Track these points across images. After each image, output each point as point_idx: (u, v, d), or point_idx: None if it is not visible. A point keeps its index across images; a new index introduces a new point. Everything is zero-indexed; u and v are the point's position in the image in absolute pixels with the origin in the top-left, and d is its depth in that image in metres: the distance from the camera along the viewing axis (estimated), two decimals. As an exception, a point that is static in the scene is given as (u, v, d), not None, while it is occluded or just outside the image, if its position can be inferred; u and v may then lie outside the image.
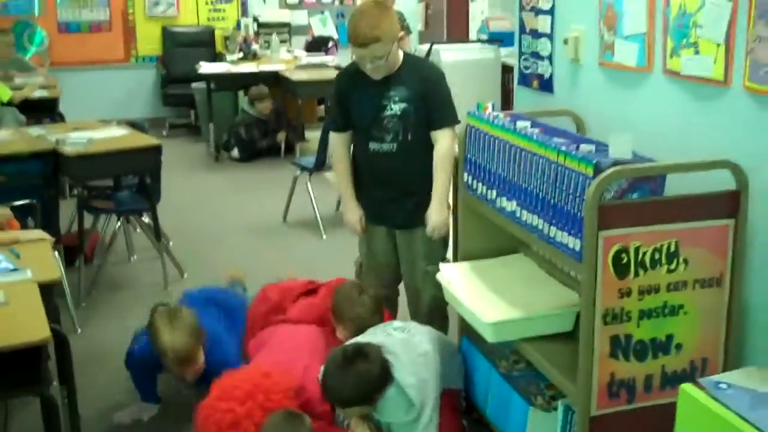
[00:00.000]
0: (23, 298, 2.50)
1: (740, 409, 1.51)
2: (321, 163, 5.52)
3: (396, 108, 3.16)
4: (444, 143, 3.17)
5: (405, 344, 2.86)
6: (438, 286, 3.25)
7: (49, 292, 2.67)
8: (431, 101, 3.17)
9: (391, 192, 3.28)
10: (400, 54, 3.20)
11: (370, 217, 3.39)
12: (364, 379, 2.66)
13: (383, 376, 2.70)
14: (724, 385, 1.59)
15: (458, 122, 3.20)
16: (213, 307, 3.41)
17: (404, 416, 2.77)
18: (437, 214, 3.20)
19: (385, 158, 3.22)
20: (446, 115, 3.19)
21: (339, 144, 3.39)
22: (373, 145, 3.22)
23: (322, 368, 2.76)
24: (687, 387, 1.61)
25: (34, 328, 2.29)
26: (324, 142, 5.42)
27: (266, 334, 3.16)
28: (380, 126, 3.19)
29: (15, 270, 2.70)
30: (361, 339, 2.91)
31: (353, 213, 3.39)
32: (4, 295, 2.51)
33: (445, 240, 3.35)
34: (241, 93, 8.30)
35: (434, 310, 3.34)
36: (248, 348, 3.16)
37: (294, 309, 3.30)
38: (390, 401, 2.73)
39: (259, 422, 2.63)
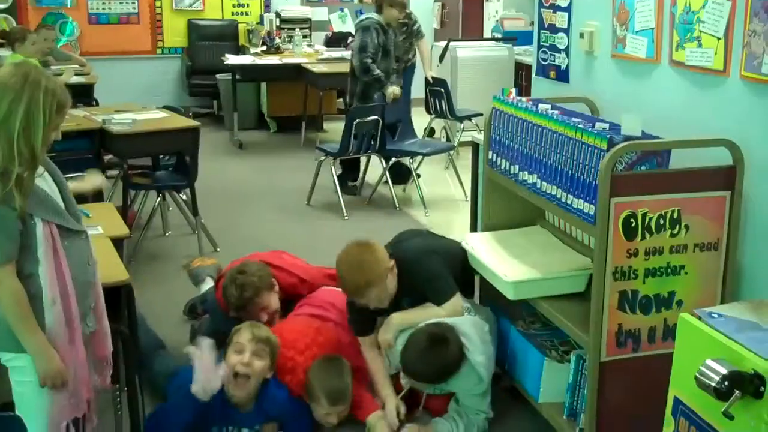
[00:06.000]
0: (99, 249, 2.77)
1: (728, 331, 1.82)
2: (345, 149, 5.83)
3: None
4: (445, 313, 3.18)
5: (474, 325, 3.13)
6: None
7: (118, 246, 2.98)
8: (425, 291, 3.23)
9: None
10: (393, 280, 3.17)
11: None
12: (444, 362, 2.98)
13: (460, 358, 3.01)
14: (715, 315, 1.90)
15: (455, 293, 3.19)
16: None
17: (473, 389, 3.09)
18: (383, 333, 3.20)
19: None
20: (440, 294, 3.20)
21: (369, 347, 3.29)
22: None
23: (402, 349, 3.04)
24: (685, 315, 1.92)
25: (114, 272, 2.60)
26: (348, 129, 5.74)
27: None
28: None
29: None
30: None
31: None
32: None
33: None
34: (263, 84, 8.62)
35: None
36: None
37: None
38: (462, 376, 3.04)
39: (307, 368, 3.00)
